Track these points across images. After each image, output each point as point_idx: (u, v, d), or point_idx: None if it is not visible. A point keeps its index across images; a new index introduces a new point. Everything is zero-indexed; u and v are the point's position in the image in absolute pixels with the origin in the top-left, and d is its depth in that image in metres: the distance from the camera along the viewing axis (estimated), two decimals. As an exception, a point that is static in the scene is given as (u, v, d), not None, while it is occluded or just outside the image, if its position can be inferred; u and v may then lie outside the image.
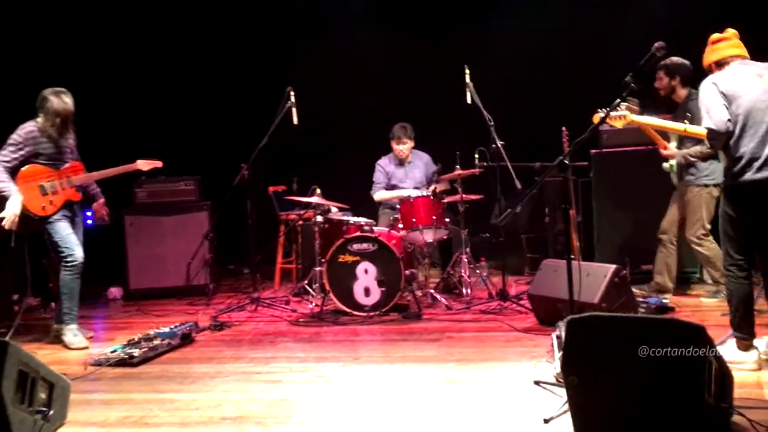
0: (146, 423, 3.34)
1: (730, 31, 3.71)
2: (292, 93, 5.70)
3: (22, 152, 4.78)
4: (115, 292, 6.83)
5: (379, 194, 6.35)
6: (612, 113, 4.07)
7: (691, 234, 5.13)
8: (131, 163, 5.16)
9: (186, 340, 4.81)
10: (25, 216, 4.72)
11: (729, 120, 3.51)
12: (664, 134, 4.94)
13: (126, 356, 4.37)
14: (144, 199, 6.81)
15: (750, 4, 6.53)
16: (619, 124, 4.22)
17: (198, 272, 6.66)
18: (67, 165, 4.97)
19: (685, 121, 4.30)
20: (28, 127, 4.84)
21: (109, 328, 5.49)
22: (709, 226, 5.07)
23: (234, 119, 7.83)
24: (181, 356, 4.54)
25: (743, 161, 3.51)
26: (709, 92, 3.58)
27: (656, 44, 3.32)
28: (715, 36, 3.74)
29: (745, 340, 3.66)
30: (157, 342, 4.66)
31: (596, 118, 4.12)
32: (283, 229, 6.89)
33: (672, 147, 5.04)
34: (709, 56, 3.74)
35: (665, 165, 5.27)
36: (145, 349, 4.52)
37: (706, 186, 5.08)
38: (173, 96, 7.91)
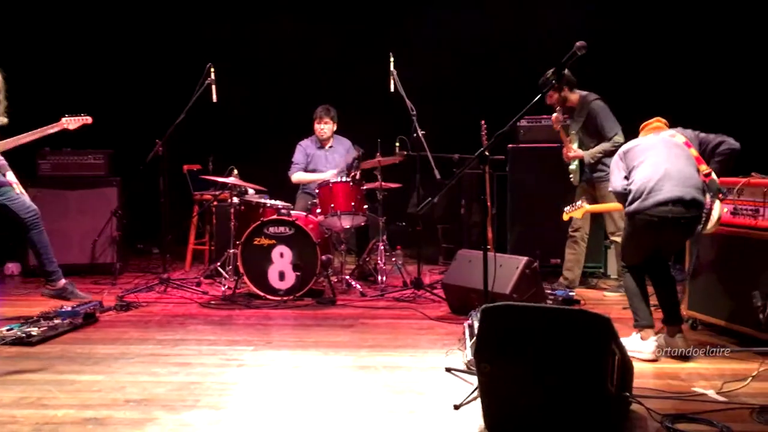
0: (44, 404, 3.17)
1: None
2: (212, 70, 5.53)
3: None
4: (12, 267, 6.49)
5: (297, 175, 6.28)
6: (568, 208, 4.47)
7: (615, 228, 5.31)
8: (55, 122, 4.79)
9: (89, 319, 4.61)
10: None
11: None
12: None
13: (23, 335, 4.15)
14: (48, 171, 6.48)
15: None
16: (578, 214, 4.43)
17: (104, 250, 6.41)
18: None
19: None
20: None
21: (5, 305, 5.20)
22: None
23: (150, 92, 7.56)
24: (84, 336, 4.35)
25: None
26: None
27: (578, 43, 3.41)
28: None
29: (643, 328, 3.87)
30: (57, 321, 4.47)
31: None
32: (197, 209, 6.71)
33: (575, 148, 5.28)
34: None
35: (572, 167, 5.44)
36: (45, 328, 4.32)
37: None
38: (85, 63, 7.56)
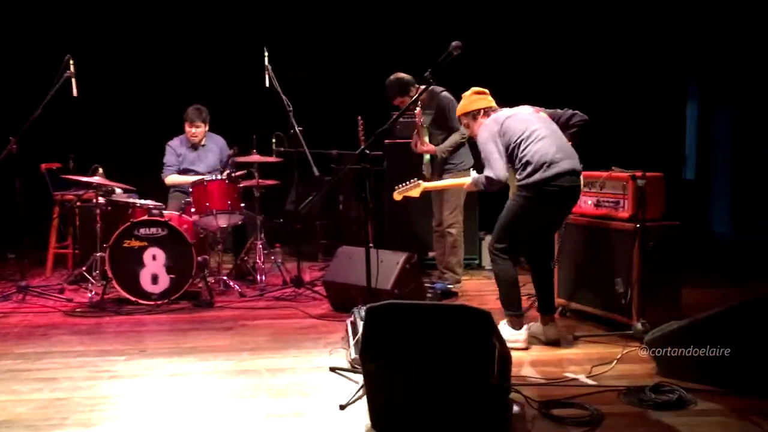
0: None
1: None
2: (72, 62, 5.17)
3: None
4: None
5: (170, 178, 6.01)
6: (399, 187, 4.38)
7: (451, 218, 5.38)
8: None
9: (-64, 335, 4.21)
10: None
11: None
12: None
13: None
14: None
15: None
16: (416, 193, 4.38)
17: (-49, 257, 5.87)
18: None
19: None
20: None
21: None
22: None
23: (2, 85, 6.97)
24: (-70, 354, 3.97)
25: None
26: None
27: (454, 43, 3.48)
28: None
29: (517, 317, 3.98)
30: None
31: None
32: (58, 211, 6.28)
33: (426, 141, 5.39)
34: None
35: (425, 161, 5.52)
36: None
37: (465, 170, 5.42)
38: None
